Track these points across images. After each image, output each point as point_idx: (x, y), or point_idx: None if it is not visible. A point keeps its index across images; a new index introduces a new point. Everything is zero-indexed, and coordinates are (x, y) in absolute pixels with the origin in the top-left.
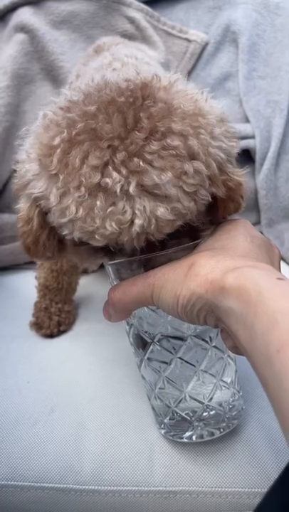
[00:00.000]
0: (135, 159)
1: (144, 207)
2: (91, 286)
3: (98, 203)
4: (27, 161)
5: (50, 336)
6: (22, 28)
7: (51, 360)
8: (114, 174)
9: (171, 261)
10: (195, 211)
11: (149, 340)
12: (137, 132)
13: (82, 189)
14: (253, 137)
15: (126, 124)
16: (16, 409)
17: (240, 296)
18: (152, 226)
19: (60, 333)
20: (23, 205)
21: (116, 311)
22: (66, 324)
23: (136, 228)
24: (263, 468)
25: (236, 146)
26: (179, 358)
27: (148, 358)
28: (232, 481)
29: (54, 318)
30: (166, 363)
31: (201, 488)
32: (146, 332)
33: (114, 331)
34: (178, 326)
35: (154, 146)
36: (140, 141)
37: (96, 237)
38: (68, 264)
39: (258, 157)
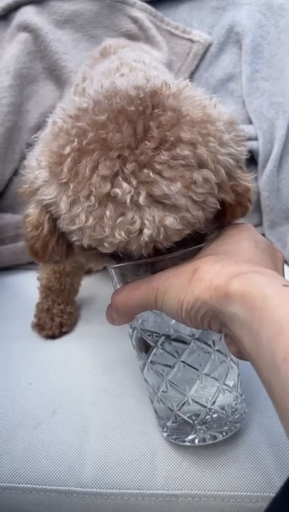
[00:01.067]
0: (145, 170)
1: (153, 217)
2: (93, 288)
3: (108, 212)
4: (36, 167)
5: (52, 337)
6: (25, 28)
7: (53, 361)
8: (124, 185)
9: (176, 265)
10: (203, 219)
11: (152, 344)
12: (146, 142)
13: (92, 199)
14: (255, 139)
15: (136, 133)
16: (18, 411)
17: (245, 302)
18: (161, 235)
19: (62, 334)
20: (32, 211)
21: (119, 314)
22: (68, 325)
23: (144, 238)
24: (265, 472)
25: (245, 151)
26: (182, 361)
27: (151, 362)
28: (234, 484)
29: (56, 319)
30: (169, 366)
31: (203, 491)
32: (149, 335)
33: (116, 332)
34: (181, 330)
35: (164, 156)
36: (150, 151)
37: (105, 244)
38: (71, 266)
39: (260, 159)
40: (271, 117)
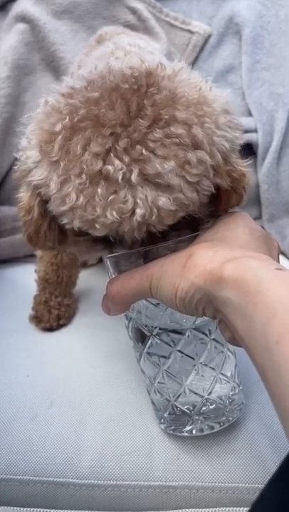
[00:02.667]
0: (138, 147)
1: (145, 196)
2: (91, 280)
3: (99, 190)
4: (28, 147)
5: (50, 329)
6: (23, 18)
7: (51, 353)
8: (117, 162)
9: (172, 252)
10: (197, 202)
11: (148, 334)
12: (140, 120)
13: (84, 176)
14: (255, 131)
15: (129, 111)
16: (15, 403)
17: (238, 286)
18: (154, 216)
19: (59, 326)
20: (23, 194)
21: (115, 304)
22: (66, 318)
23: (137, 218)
24: (263, 464)
25: (240, 137)
26: (178, 350)
27: (148, 353)
28: (232, 476)
29: (54, 311)
30: (166, 357)
31: (200, 483)
32: (145, 326)
33: (114, 324)
34: (177, 319)
35: (158, 134)
36: (143, 128)
37: (96, 226)
38: (68, 258)
39: (260, 151)
40: (271, 109)
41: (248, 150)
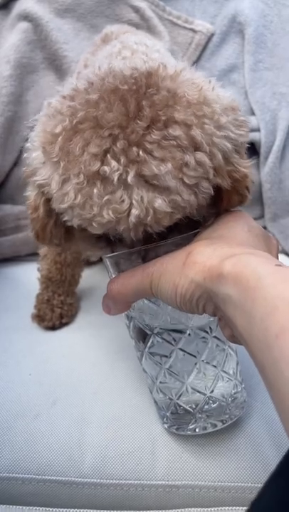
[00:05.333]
0: (134, 148)
1: (141, 197)
2: (93, 279)
3: (95, 190)
4: (33, 149)
5: (52, 328)
6: (25, 17)
7: (53, 352)
8: (113, 163)
9: (172, 251)
10: (195, 204)
11: (149, 333)
12: (138, 121)
13: (82, 176)
14: (258, 130)
15: (128, 112)
16: (18, 402)
17: (238, 282)
18: (149, 217)
19: (62, 325)
20: (30, 193)
21: (116, 303)
22: (68, 317)
23: (132, 218)
24: (265, 463)
25: (245, 135)
26: (180, 349)
27: (149, 352)
28: (235, 475)
29: (56, 310)
30: (167, 356)
31: (203, 482)
32: (146, 325)
33: (116, 323)
34: (178, 318)
35: (155, 135)
36: (141, 130)
37: (93, 224)
38: (72, 256)
39: (262, 150)
40: (274, 108)
41: (251, 149)
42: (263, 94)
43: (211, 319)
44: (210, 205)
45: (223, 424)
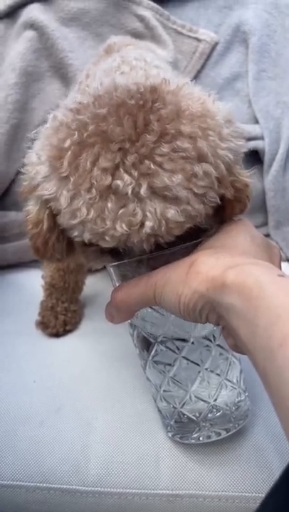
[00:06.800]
0: (146, 161)
1: (154, 209)
2: (96, 286)
3: (109, 205)
4: (37, 163)
5: (56, 335)
6: (31, 25)
7: (57, 359)
8: (126, 176)
9: (176, 260)
10: (204, 213)
11: (153, 341)
12: (147, 135)
13: (94, 191)
14: (261, 138)
15: (136, 126)
16: (22, 409)
17: (241, 292)
18: (162, 228)
19: (66, 332)
20: (32, 207)
21: (119, 312)
22: (72, 324)
23: (146, 230)
24: (269, 473)
25: (244, 145)
26: (184, 357)
27: (153, 360)
28: (239, 485)
29: (60, 317)
30: (171, 364)
31: (207, 492)
32: (150, 333)
33: (119, 330)
34: (181, 326)
35: (165, 148)
36: (151, 143)
37: (106, 238)
38: (75, 264)
39: (266, 158)
40: (278, 116)
41: (255, 157)
42: (267, 102)
43: (214, 328)
44: (214, 214)
45: (227, 432)
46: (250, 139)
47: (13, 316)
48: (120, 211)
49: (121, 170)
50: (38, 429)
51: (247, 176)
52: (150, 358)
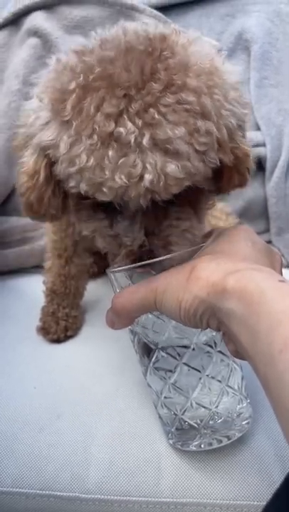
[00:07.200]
0: (151, 110)
1: (155, 162)
2: (97, 291)
3: (110, 152)
4: (37, 109)
5: (57, 341)
6: (35, 32)
7: (58, 365)
8: (129, 124)
9: (175, 265)
10: (203, 172)
11: (153, 347)
12: (153, 83)
13: (95, 137)
14: (263, 145)
15: (143, 73)
16: (22, 415)
17: (242, 297)
18: (161, 183)
19: (67, 338)
20: (28, 158)
21: (120, 317)
22: (73, 329)
23: (145, 183)
24: (271, 481)
25: (248, 114)
26: (184, 363)
27: (154, 367)
28: (241, 493)
29: (61, 323)
30: (172, 370)
31: (209, 500)
32: (151, 340)
33: (120, 336)
34: (182, 332)
35: (170, 99)
36: (157, 92)
37: (104, 189)
38: (76, 269)
39: (268, 165)
40: (279, 124)
41: (257, 164)
42: (269, 110)
43: (215, 334)
44: (212, 179)
45: (229, 440)
46: (252, 145)
47: (14, 322)
48: (120, 161)
49: (125, 117)
50: (38, 435)
51: (248, 145)
52: (151, 364)
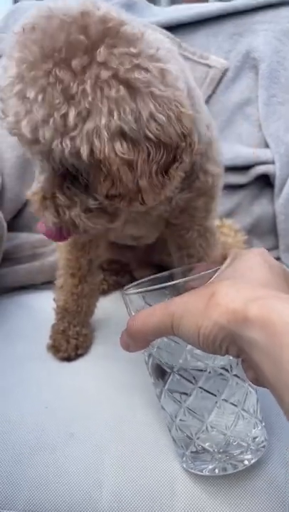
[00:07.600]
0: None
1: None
2: (107, 309)
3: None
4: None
5: (68, 359)
6: None
7: (68, 384)
8: None
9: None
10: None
11: (168, 370)
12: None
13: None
14: (272, 162)
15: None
16: (34, 435)
17: (265, 327)
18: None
19: (77, 356)
20: None
21: (135, 341)
22: (83, 348)
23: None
24: (286, 508)
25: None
26: (200, 387)
27: (168, 389)
28: None
29: (72, 341)
30: (187, 394)
31: None
32: (166, 362)
33: (131, 355)
34: (198, 356)
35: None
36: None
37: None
38: (89, 288)
39: (277, 182)
40: (288, 141)
41: (266, 181)
42: (277, 127)
43: (232, 358)
44: None
45: (244, 465)
46: (261, 163)
47: (24, 339)
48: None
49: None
50: (50, 457)
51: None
52: (166, 387)
